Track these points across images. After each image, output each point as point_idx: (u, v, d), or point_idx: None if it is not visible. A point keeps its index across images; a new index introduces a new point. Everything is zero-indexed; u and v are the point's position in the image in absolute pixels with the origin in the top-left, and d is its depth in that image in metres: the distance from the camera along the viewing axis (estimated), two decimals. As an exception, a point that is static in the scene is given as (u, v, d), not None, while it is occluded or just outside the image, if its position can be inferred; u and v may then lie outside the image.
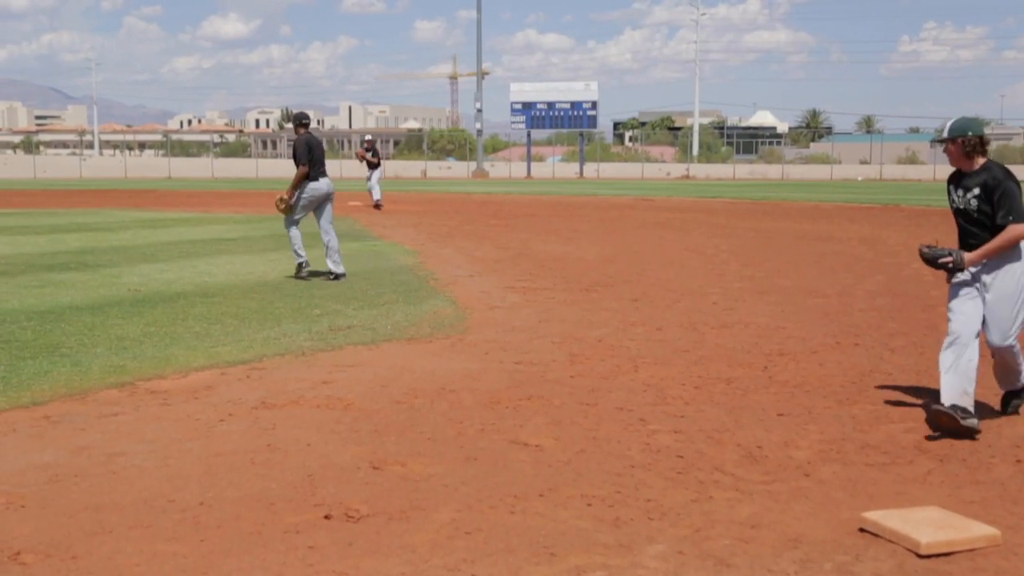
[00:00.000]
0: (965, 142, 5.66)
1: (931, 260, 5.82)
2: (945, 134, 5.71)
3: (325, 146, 12.51)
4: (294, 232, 11.97)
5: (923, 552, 3.88)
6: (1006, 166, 5.75)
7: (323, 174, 11.84)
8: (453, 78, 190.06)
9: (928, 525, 4.04)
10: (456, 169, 71.10)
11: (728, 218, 23.55)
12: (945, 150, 5.77)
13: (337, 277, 11.76)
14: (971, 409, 5.50)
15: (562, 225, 21.12)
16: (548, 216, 24.13)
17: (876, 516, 4.17)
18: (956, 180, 5.85)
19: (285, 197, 11.81)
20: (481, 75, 67.74)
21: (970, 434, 5.43)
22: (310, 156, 11.71)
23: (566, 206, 28.65)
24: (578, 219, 22.91)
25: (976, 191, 5.66)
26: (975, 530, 4.04)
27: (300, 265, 11.87)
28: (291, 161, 12.09)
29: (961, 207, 5.78)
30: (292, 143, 12.13)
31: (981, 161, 5.72)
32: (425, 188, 42.79)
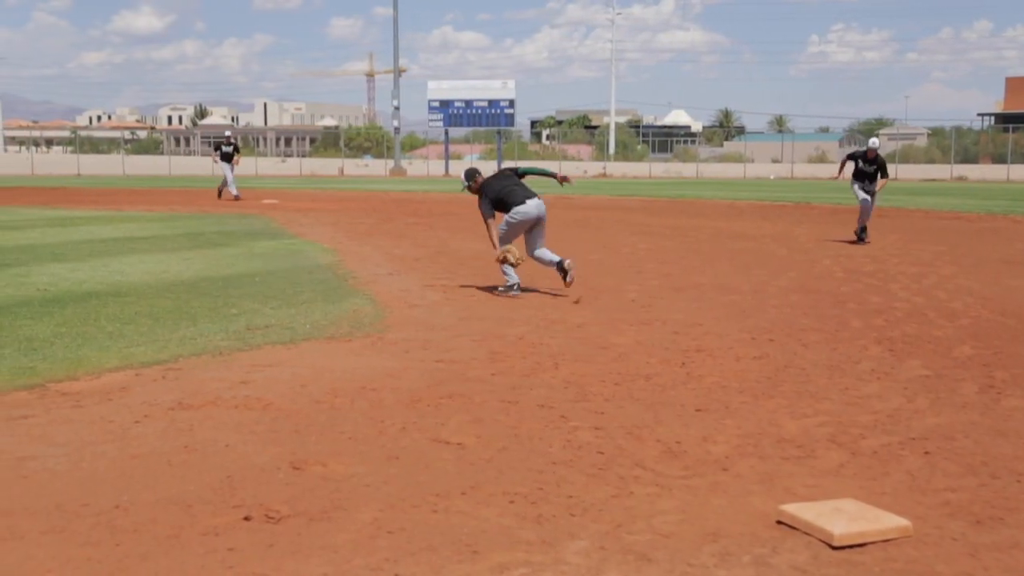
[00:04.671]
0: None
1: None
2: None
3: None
4: None
5: (836, 543, 3.98)
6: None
7: None
8: (370, 76, 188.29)
9: (842, 517, 4.14)
10: (374, 167, 70.59)
11: (644, 216, 23.80)
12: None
13: None
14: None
15: (480, 223, 21.06)
16: (466, 214, 24.06)
17: (792, 509, 4.26)
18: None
19: None
20: (398, 73, 67.22)
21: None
22: None
23: (485, 204, 28.61)
24: (497, 217, 22.90)
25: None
26: (887, 521, 4.15)
27: None
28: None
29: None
30: None
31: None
32: (343, 186, 42.39)
